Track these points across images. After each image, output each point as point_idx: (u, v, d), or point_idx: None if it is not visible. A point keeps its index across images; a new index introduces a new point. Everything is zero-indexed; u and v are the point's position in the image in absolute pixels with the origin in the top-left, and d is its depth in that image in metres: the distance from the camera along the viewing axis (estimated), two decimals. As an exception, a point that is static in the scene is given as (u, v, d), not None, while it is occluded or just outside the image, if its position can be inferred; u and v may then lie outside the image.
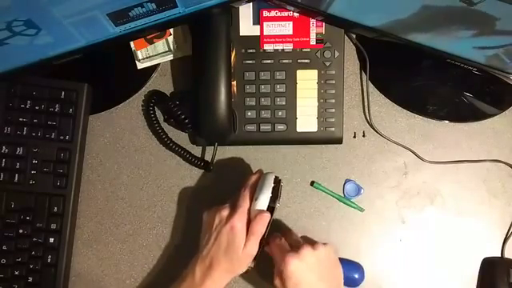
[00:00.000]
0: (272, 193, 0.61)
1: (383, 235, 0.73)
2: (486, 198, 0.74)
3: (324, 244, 0.61)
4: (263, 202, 0.60)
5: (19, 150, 0.69)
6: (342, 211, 0.73)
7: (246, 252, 0.60)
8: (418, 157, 0.74)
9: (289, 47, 0.71)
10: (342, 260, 0.64)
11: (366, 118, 0.74)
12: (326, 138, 0.71)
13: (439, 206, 0.73)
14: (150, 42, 0.72)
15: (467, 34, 0.59)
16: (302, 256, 0.58)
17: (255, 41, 0.71)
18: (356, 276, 0.68)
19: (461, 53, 0.64)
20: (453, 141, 0.74)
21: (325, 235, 0.73)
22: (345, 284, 0.65)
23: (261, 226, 0.60)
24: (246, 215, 0.61)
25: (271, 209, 0.60)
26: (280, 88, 0.71)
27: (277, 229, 0.68)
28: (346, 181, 0.74)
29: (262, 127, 0.71)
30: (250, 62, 0.71)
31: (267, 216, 0.60)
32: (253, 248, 0.60)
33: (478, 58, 0.64)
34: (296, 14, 0.70)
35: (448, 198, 0.74)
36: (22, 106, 0.69)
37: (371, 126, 0.74)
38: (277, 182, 0.62)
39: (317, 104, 0.71)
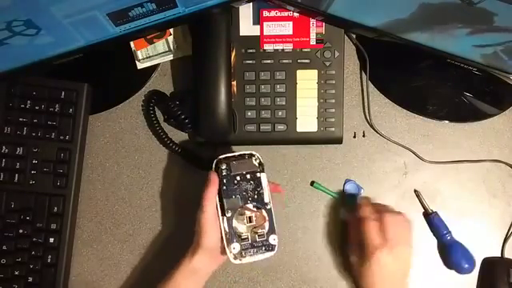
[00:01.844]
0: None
1: (383, 235, 0.73)
2: (486, 198, 0.74)
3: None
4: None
5: (19, 150, 0.69)
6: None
7: (197, 218, 0.61)
8: (418, 157, 0.74)
9: (289, 47, 0.71)
10: (458, 245, 0.70)
11: (366, 118, 0.74)
12: (326, 137, 0.71)
13: (439, 205, 0.73)
14: (150, 42, 0.72)
15: (466, 32, 0.59)
16: (393, 252, 0.62)
17: (255, 41, 0.71)
18: (465, 266, 0.70)
19: (460, 52, 0.64)
20: (453, 141, 0.74)
21: (325, 235, 0.73)
22: (454, 268, 0.71)
23: (205, 189, 0.60)
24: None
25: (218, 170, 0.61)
26: (280, 88, 0.71)
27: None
28: (346, 181, 0.74)
29: (262, 127, 0.71)
30: (250, 62, 0.71)
31: (212, 177, 0.60)
32: (201, 213, 0.60)
33: (477, 56, 0.64)
34: (296, 14, 0.70)
35: (448, 198, 0.74)
36: (22, 106, 0.69)
37: (371, 126, 0.74)
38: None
39: (317, 104, 0.71)
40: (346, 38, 0.73)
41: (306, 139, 0.72)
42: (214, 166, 0.61)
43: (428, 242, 0.73)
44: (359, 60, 0.75)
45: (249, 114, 0.71)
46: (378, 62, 0.72)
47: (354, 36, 0.73)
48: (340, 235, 0.73)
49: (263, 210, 0.62)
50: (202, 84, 0.66)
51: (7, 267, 0.68)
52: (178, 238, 0.73)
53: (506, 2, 0.50)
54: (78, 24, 0.57)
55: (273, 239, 0.62)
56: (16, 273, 0.68)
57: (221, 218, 0.61)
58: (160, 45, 0.73)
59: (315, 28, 0.71)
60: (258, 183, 0.62)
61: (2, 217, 0.68)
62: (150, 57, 0.73)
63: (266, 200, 0.62)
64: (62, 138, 0.70)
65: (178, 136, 0.73)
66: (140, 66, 0.73)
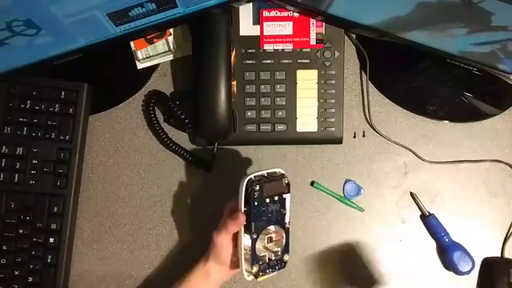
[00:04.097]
0: (245, 196, 0.58)
1: (383, 235, 0.73)
2: (486, 198, 0.74)
3: None
4: (240, 204, 0.59)
5: (19, 150, 0.69)
6: (342, 211, 0.73)
7: (212, 237, 0.61)
8: (418, 157, 0.74)
9: (289, 47, 0.71)
10: (457, 247, 0.70)
11: (366, 118, 0.74)
12: (326, 138, 0.71)
13: (439, 205, 0.73)
14: (150, 42, 0.72)
15: (465, 31, 0.59)
16: None
17: (255, 41, 0.71)
18: (464, 268, 0.71)
19: (459, 51, 0.64)
20: (453, 141, 0.74)
21: (325, 235, 0.73)
22: (452, 269, 0.71)
23: (230, 221, 0.59)
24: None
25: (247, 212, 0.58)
26: (280, 88, 0.71)
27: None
28: (346, 181, 0.74)
29: (261, 127, 0.71)
30: (250, 62, 0.70)
31: (238, 217, 0.58)
32: (216, 236, 0.60)
33: (474, 55, 0.64)
34: (296, 14, 0.70)
35: (448, 198, 0.74)
36: (22, 106, 0.69)
37: (371, 126, 0.74)
38: (249, 184, 0.58)
39: (317, 104, 0.71)
40: (346, 38, 0.73)
41: (306, 139, 0.72)
42: (244, 184, 0.58)
43: (426, 244, 0.73)
44: (359, 60, 0.75)
45: (249, 113, 0.71)
46: (378, 62, 0.72)
47: (354, 36, 0.73)
48: (339, 235, 0.73)
49: (282, 229, 0.61)
50: (201, 84, 0.66)
51: (7, 267, 0.68)
52: (178, 238, 0.73)
53: (506, 2, 0.50)
54: (78, 24, 0.57)
55: (286, 257, 0.61)
56: (16, 273, 0.68)
57: (244, 237, 0.59)
58: (160, 45, 0.73)
59: (315, 28, 0.71)
60: (282, 204, 0.61)
61: (2, 217, 0.68)
62: (150, 57, 0.73)
63: (287, 220, 0.61)
64: (61, 137, 0.70)
65: (178, 136, 0.73)
66: (140, 65, 0.73)
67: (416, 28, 0.62)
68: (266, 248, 0.60)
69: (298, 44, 0.71)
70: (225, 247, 0.61)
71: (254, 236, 0.58)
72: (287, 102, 0.71)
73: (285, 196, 0.61)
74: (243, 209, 0.58)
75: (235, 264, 0.61)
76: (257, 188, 0.58)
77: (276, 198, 0.60)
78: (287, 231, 0.61)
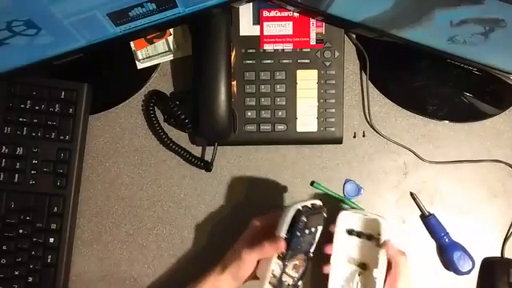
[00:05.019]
0: (290, 225, 0.58)
1: (383, 235, 0.73)
2: (486, 198, 0.74)
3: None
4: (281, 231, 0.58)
5: (19, 150, 0.69)
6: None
7: (241, 253, 0.59)
8: (418, 157, 0.74)
9: (289, 47, 0.71)
10: (457, 247, 0.70)
11: (366, 118, 0.74)
12: (326, 137, 0.71)
13: (439, 205, 0.73)
14: (150, 42, 0.72)
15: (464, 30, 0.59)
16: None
17: (255, 41, 0.71)
18: (464, 267, 0.70)
19: (458, 50, 0.64)
20: (453, 141, 0.74)
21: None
22: (452, 269, 0.71)
23: (268, 245, 0.58)
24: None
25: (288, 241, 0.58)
26: (280, 88, 0.71)
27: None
28: (346, 181, 0.74)
29: (261, 127, 0.71)
30: (250, 62, 0.71)
31: (280, 244, 0.57)
32: (247, 253, 0.59)
33: (474, 53, 0.64)
34: (296, 14, 0.70)
35: (448, 198, 0.74)
36: (22, 106, 0.69)
37: (371, 126, 0.74)
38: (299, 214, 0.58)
39: (317, 104, 0.71)
40: (346, 38, 0.73)
41: (306, 139, 0.72)
42: (292, 213, 0.58)
43: (426, 244, 0.73)
44: (359, 60, 0.75)
45: (249, 113, 0.71)
46: (378, 62, 0.72)
47: (354, 36, 0.73)
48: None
49: (305, 257, 0.61)
50: (201, 84, 0.66)
51: (7, 267, 0.68)
52: (177, 238, 0.73)
53: (506, 2, 0.50)
54: (78, 24, 0.57)
55: (300, 283, 0.61)
56: (16, 273, 0.68)
57: (275, 261, 0.58)
58: (160, 45, 0.73)
59: (315, 28, 0.71)
60: (314, 235, 0.61)
61: (2, 217, 0.68)
62: (149, 57, 0.73)
63: (312, 250, 0.61)
64: (62, 137, 0.70)
65: (178, 136, 0.73)
66: (140, 65, 0.73)
67: (416, 28, 0.62)
68: (286, 274, 0.60)
69: (298, 44, 0.71)
70: (249, 266, 0.60)
71: (286, 263, 0.59)
72: (287, 102, 0.71)
73: (319, 227, 0.61)
74: (284, 236, 0.58)
75: (245, 281, 0.62)
76: (304, 220, 0.57)
77: (313, 230, 0.60)
78: (308, 260, 0.61)
